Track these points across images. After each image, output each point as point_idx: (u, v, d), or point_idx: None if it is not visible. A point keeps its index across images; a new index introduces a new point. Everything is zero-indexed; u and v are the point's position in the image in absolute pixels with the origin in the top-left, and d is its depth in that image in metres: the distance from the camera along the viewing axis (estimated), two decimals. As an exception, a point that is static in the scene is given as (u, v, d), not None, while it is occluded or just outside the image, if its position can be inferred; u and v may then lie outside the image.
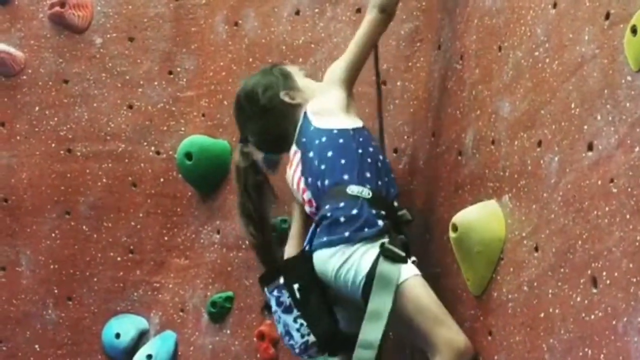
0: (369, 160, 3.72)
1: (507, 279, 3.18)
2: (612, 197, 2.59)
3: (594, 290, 2.63)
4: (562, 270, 2.82)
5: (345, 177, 3.65)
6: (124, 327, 4.80)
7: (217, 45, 4.78)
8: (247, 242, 4.40)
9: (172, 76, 4.90)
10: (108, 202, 4.90)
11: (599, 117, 2.69)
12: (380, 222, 3.53)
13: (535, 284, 2.99)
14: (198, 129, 4.79)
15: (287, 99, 3.97)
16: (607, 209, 2.61)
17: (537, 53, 3.11)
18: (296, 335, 3.61)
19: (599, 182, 2.66)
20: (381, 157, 3.79)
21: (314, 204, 3.76)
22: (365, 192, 3.60)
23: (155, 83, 4.91)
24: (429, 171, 3.98)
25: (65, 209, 4.93)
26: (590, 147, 2.73)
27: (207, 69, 4.83)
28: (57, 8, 5.00)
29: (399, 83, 4.25)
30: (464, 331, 3.39)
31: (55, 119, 4.99)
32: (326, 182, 3.69)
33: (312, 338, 3.58)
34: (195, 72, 4.87)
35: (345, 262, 3.48)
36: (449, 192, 3.74)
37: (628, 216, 2.50)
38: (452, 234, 3.36)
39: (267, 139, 4.05)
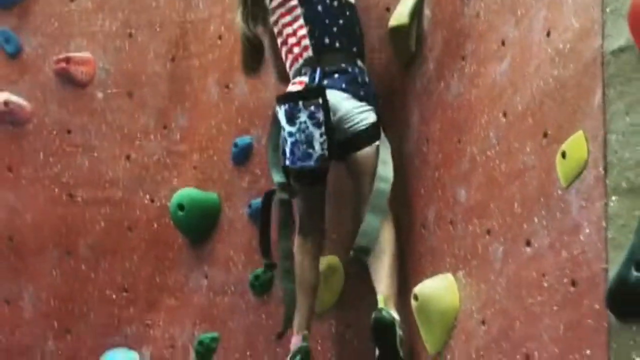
0: (361, 41, 4.46)
1: (459, 345, 3.61)
2: (543, 290, 3.02)
3: (527, 367, 3.09)
4: (503, 344, 3.25)
5: (354, 49, 4.40)
6: None
7: (209, 104, 5.12)
8: (232, 288, 4.85)
9: (166, 131, 5.24)
10: (105, 244, 5.23)
11: (535, 220, 3.11)
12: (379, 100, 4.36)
13: (481, 352, 3.42)
14: (189, 180, 5.13)
15: None
16: (539, 299, 3.04)
17: (489, 153, 3.51)
18: (318, 147, 4.19)
19: (534, 275, 3.09)
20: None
21: (310, 53, 4.35)
22: (366, 69, 4.37)
23: (151, 136, 5.26)
24: (400, 239, 4.30)
25: (66, 250, 5.26)
26: (528, 244, 3.15)
27: (199, 126, 5.15)
28: (63, 64, 5.35)
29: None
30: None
31: (59, 166, 5.32)
32: (337, 44, 4.36)
33: (327, 153, 4.20)
34: (188, 129, 5.19)
35: (356, 109, 4.23)
36: (414, 260, 4.16)
37: (555, 308, 2.95)
38: (413, 303, 3.77)
39: None
